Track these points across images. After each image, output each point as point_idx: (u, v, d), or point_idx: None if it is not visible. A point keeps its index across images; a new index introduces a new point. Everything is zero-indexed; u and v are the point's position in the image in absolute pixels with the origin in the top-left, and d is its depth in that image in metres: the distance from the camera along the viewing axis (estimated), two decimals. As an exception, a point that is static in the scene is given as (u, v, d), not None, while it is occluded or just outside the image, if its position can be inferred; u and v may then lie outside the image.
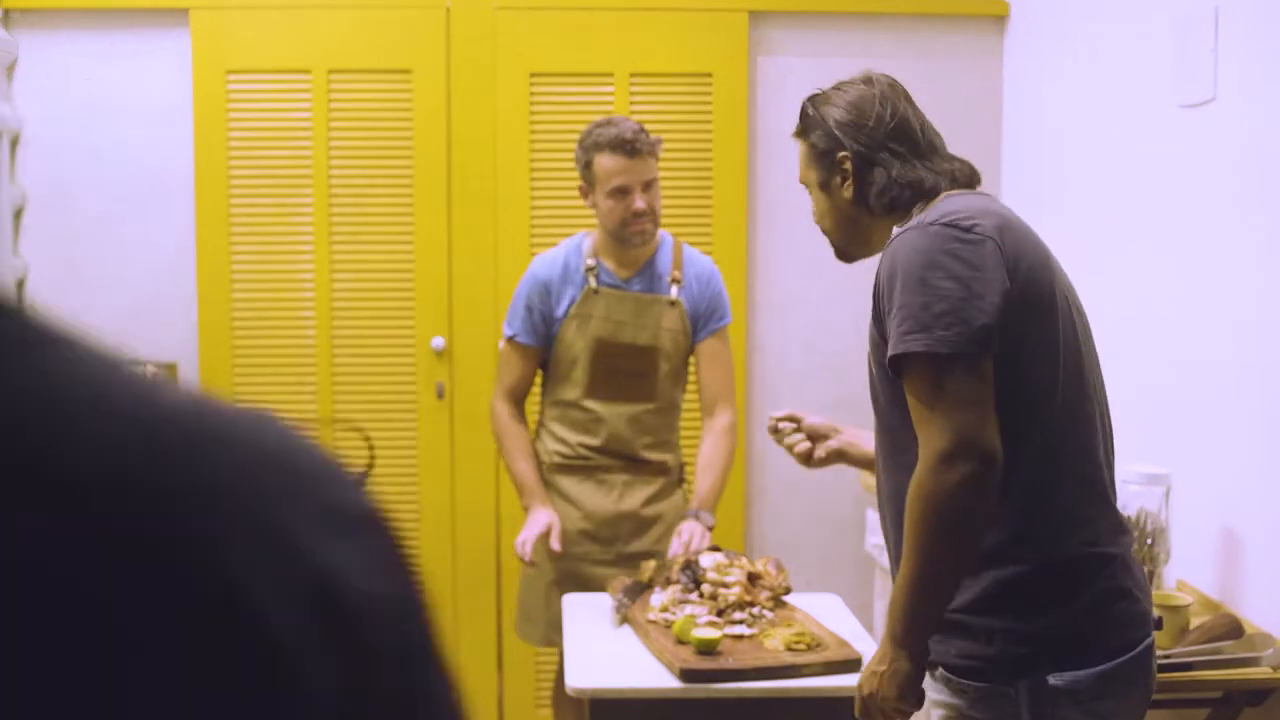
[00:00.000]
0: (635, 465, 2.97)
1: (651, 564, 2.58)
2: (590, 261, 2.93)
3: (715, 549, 2.55)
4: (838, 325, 3.87)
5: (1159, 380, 2.86)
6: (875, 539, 3.61)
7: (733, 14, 3.90)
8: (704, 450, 3.06)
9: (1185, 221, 2.80)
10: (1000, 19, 3.99)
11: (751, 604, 2.36)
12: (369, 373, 3.92)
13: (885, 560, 3.58)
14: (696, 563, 2.44)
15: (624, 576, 2.64)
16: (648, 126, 3.87)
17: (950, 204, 1.74)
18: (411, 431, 3.92)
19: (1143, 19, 3.00)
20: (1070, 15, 3.50)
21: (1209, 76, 2.66)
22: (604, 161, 2.82)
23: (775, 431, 2.20)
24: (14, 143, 3.85)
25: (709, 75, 3.90)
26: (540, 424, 3.08)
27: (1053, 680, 1.65)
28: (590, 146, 2.84)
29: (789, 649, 2.17)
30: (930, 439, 1.61)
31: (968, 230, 1.66)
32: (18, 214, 3.88)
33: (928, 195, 1.80)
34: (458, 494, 3.93)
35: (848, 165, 1.84)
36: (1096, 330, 1.88)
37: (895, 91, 1.90)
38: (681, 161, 3.91)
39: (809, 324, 3.96)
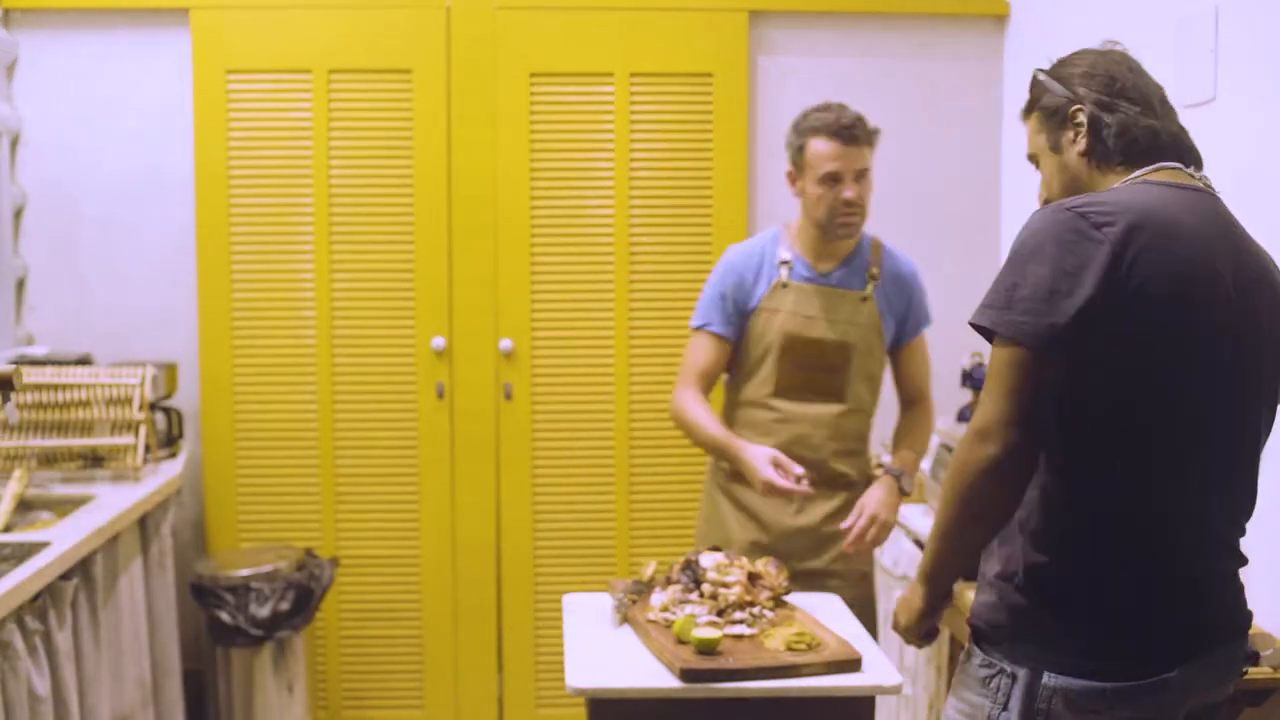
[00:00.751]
0: (818, 477, 2.77)
1: (652, 564, 2.57)
2: (785, 254, 2.82)
3: (716, 549, 2.55)
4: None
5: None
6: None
7: (733, 14, 3.90)
8: (904, 423, 2.95)
9: (1185, 221, 2.80)
10: (1000, 19, 3.99)
11: (751, 604, 2.36)
12: (369, 373, 3.92)
13: (887, 561, 3.59)
14: (696, 563, 2.44)
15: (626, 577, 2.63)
16: (648, 126, 3.90)
17: (1117, 193, 1.68)
18: (411, 431, 3.92)
19: (1143, 19, 3.00)
20: (1070, 15, 3.51)
21: (1209, 76, 2.66)
22: (817, 146, 2.71)
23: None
24: (14, 143, 3.85)
25: (709, 75, 3.90)
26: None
27: (1046, 678, 1.64)
28: (805, 130, 2.74)
29: (789, 649, 2.17)
30: (977, 412, 1.66)
31: (1095, 226, 1.61)
32: (18, 214, 3.88)
33: (1156, 151, 1.75)
34: (458, 494, 3.93)
35: (1081, 117, 1.77)
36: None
37: (1131, 60, 1.85)
38: (681, 161, 3.91)
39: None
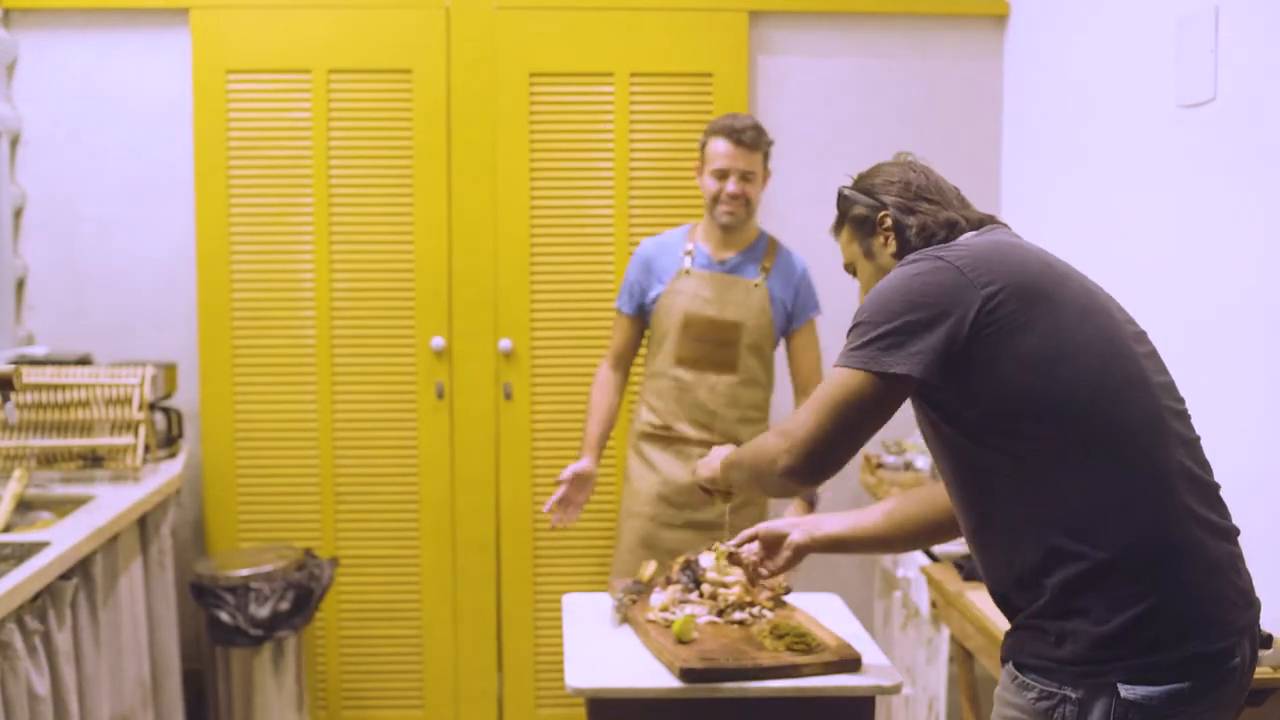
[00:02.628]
0: (717, 441, 3.11)
1: (652, 564, 2.58)
2: (689, 245, 3.26)
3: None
4: (839, 323, 3.86)
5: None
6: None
7: (733, 14, 3.90)
8: None
9: (1185, 221, 2.80)
10: (1000, 19, 3.99)
11: (751, 604, 2.36)
12: (369, 373, 3.92)
13: (886, 562, 3.58)
14: (696, 563, 2.45)
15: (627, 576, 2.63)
16: (648, 126, 3.91)
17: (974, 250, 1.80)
18: (411, 431, 3.92)
19: (1143, 19, 3.00)
20: (1070, 15, 3.50)
21: (1209, 76, 2.67)
22: (713, 145, 3.15)
23: (738, 562, 2.28)
24: (14, 143, 3.85)
25: (709, 75, 3.90)
26: (640, 395, 3.35)
27: (1124, 692, 1.60)
28: (708, 131, 3.18)
29: (789, 649, 2.17)
30: (802, 423, 1.76)
31: (937, 258, 1.74)
32: (18, 214, 3.88)
33: (956, 235, 1.88)
34: (458, 494, 3.93)
35: (888, 222, 1.91)
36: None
37: (924, 166, 2.01)
38: (682, 161, 3.91)
39: (809, 324, 3.95)
